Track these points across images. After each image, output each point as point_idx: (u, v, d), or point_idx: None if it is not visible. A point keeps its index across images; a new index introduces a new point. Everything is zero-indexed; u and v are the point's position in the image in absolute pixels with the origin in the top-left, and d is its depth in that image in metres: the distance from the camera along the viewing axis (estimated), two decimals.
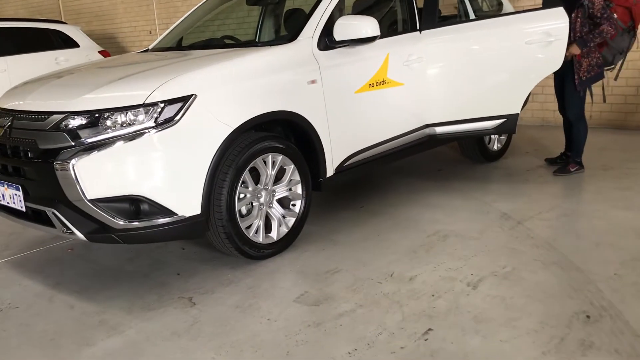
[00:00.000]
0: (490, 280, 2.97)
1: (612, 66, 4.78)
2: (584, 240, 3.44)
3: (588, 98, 4.75)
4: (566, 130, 5.05)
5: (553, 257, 3.21)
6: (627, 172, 4.77)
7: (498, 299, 2.77)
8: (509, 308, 2.67)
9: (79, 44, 8.85)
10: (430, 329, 2.53)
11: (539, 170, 4.99)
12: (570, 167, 4.80)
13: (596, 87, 4.82)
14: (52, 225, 3.01)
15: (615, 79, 4.96)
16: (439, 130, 4.45)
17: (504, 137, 5.46)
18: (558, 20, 4.12)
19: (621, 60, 4.81)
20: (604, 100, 4.85)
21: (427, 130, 4.46)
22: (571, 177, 4.72)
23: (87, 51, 8.82)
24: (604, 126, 6.60)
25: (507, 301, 2.74)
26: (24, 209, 3.10)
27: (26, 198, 3.07)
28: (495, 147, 5.38)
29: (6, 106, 3.32)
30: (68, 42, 8.76)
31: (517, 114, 4.29)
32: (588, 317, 2.55)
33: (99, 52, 8.99)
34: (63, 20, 11.76)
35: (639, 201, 4.03)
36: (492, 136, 5.29)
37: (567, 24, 4.11)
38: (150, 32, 10.95)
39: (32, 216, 3.13)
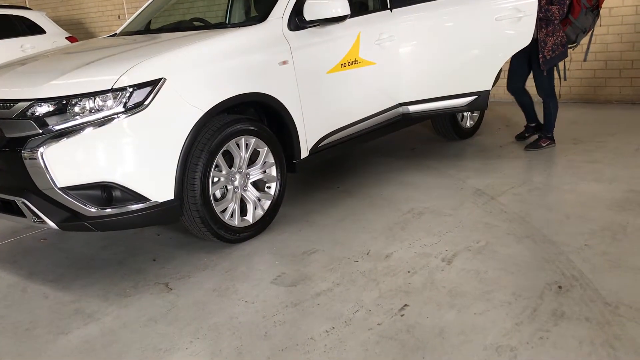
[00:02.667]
0: (465, 255, 3.01)
1: (575, 44, 4.82)
2: (555, 213, 3.50)
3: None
4: (521, 104, 5.10)
5: (525, 231, 3.26)
6: (596, 145, 4.85)
7: (472, 273, 2.81)
8: (483, 281, 2.72)
9: (45, 30, 8.65)
10: (406, 305, 2.56)
11: (511, 146, 5.05)
12: (542, 142, 4.87)
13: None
14: (22, 215, 2.96)
15: (585, 60, 5.01)
16: (412, 108, 4.47)
17: (476, 114, 5.51)
18: None
19: (588, 40, 4.87)
20: (565, 79, 4.90)
21: (401, 109, 4.47)
22: (543, 151, 4.79)
23: (54, 37, 8.63)
24: (574, 100, 6.70)
25: (481, 275, 2.78)
26: None
27: None
28: (468, 124, 5.43)
29: None
30: (34, 29, 8.56)
31: (489, 91, 4.32)
32: (560, 287, 2.61)
33: (67, 38, 8.80)
34: (28, 6, 11.47)
35: (608, 173, 4.11)
36: (465, 113, 5.33)
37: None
38: (119, 17, 10.75)
39: (2, 206, 3.08)
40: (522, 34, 4.18)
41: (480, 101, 4.35)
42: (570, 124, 5.66)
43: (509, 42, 4.24)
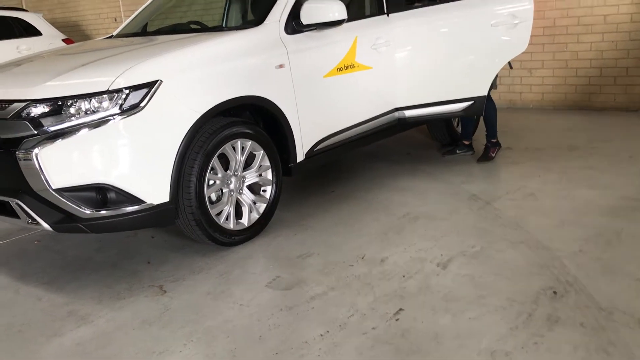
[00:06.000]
0: (460, 259, 3.01)
1: None
2: (550, 218, 3.51)
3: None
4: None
5: (520, 236, 3.27)
6: (591, 151, 4.86)
7: (467, 277, 2.81)
8: (477, 286, 2.72)
9: (42, 32, 8.63)
10: (401, 309, 2.56)
11: (506, 151, 5.06)
12: (491, 153, 4.86)
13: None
14: (16, 216, 2.95)
15: (511, 67, 4.97)
16: (408, 113, 4.47)
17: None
18: (523, 2, 4.16)
19: None
20: (511, 67, 4.89)
21: (397, 114, 4.48)
22: (538, 157, 4.79)
23: (50, 39, 8.61)
24: (569, 107, 6.72)
25: (476, 280, 2.78)
26: None
27: None
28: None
29: None
30: (30, 30, 8.54)
31: (485, 96, 4.33)
32: (554, 292, 2.61)
33: (63, 40, 8.78)
34: (24, 7, 11.45)
35: (603, 180, 4.12)
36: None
37: (532, 6, 4.15)
38: (115, 20, 10.73)
39: None
40: (518, 40, 4.20)
41: (476, 107, 4.36)
42: (566, 131, 5.68)
43: (505, 48, 4.25)
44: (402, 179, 4.49)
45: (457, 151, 4.96)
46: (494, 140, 4.90)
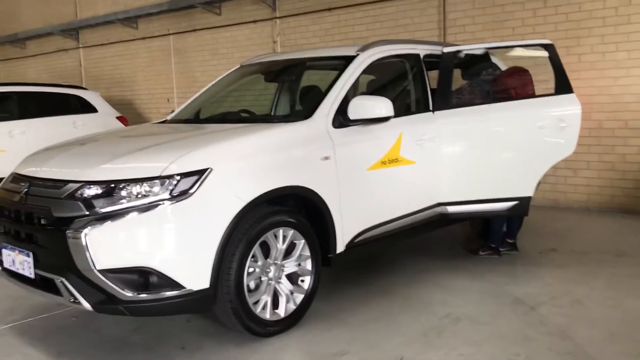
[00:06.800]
0: None
1: None
2: (598, 329, 3.35)
3: None
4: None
5: (567, 347, 3.12)
6: None
7: None
8: None
9: (97, 109, 9.06)
10: None
11: (552, 253, 4.93)
12: (482, 251, 4.82)
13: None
14: (59, 293, 2.98)
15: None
16: (451, 209, 4.44)
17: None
18: (570, 107, 4.20)
19: None
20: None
21: (439, 209, 4.45)
22: (584, 261, 4.64)
23: (105, 116, 9.02)
24: (615, 210, 6.56)
25: None
26: (32, 276, 3.08)
27: (36, 265, 3.06)
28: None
29: (24, 172, 3.37)
30: (87, 107, 8.97)
31: (530, 197, 4.29)
32: None
33: (117, 117, 9.19)
34: (84, 85, 12.12)
35: None
36: None
37: (580, 110, 4.18)
38: (168, 100, 11.23)
39: (40, 283, 3.11)
40: (565, 143, 4.21)
41: (521, 207, 4.31)
42: (613, 235, 5.53)
43: (551, 150, 4.26)
44: (443, 275, 4.40)
45: (501, 249, 4.86)
46: (494, 246, 4.82)
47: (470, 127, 4.35)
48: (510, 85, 4.54)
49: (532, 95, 4.55)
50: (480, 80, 4.65)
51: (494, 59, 5.13)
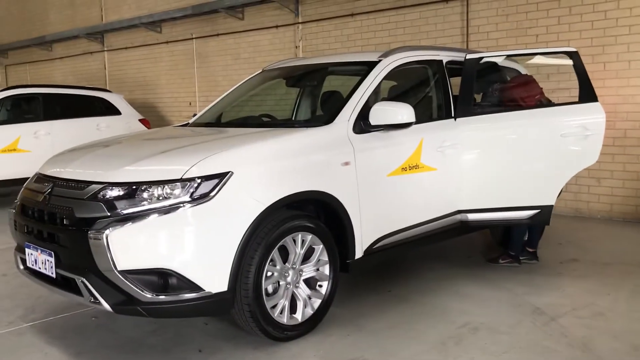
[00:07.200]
0: None
1: None
2: (621, 343, 3.29)
3: None
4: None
5: None
6: None
7: None
8: None
9: (121, 111, 9.18)
10: None
11: (573, 263, 4.86)
12: (502, 259, 4.78)
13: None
14: (79, 293, 3.01)
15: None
16: (472, 217, 4.41)
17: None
18: (595, 115, 4.15)
19: None
20: None
21: (459, 217, 4.42)
22: (606, 272, 4.57)
23: (128, 119, 9.14)
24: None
25: None
26: (54, 276, 3.12)
27: (57, 264, 3.10)
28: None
29: (48, 172, 3.42)
30: (111, 110, 9.11)
31: (552, 206, 4.24)
32: None
33: (140, 120, 9.30)
34: (108, 87, 12.29)
35: None
36: None
37: (604, 119, 4.12)
38: (190, 104, 11.33)
39: (61, 283, 3.15)
40: (588, 152, 4.15)
41: (543, 216, 4.26)
42: (637, 246, 5.42)
43: (574, 159, 4.21)
44: (461, 283, 4.36)
45: (521, 258, 4.80)
46: (513, 253, 4.76)
47: (492, 134, 4.31)
48: (522, 95, 4.49)
49: (549, 103, 4.50)
50: (503, 88, 4.61)
51: (518, 67, 5.10)
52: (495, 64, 4.84)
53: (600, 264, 4.82)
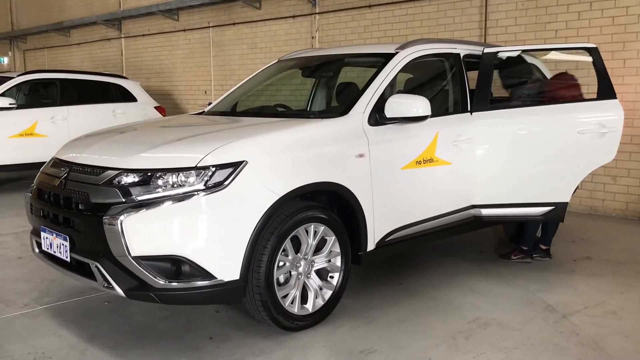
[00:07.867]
0: None
1: None
2: (633, 343, 3.26)
3: None
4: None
5: (599, 358, 3.05)
6: None
7: None
8: None
9: (137, 98, 9.23)
10: None
11: (586, 261, 4.82)
12: (514, 255, 4.76)
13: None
14: (93, 278, 3.05)
15: None
16: (485, 212, 4.38)
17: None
18: (612, 112, 4.10)
19: None
20: None
21: (473, 211, 4.40)
22: (620, 271, 4.53)
23: (144, 106, 9.19)
24: None
25: None
26: (68, 260, 3.16)
27: (72, 249, 3.14)
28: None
29: (64, 157, 3.46)
30: (127, 96, 9.16)
31: (567, 203, 4.20)
32: None
33: (155, 107, 9.34)
34: (124, 74, 12.34)
35: None
36: None
37: (622, 116, 4.07)
38: (205, 92, 11.35)
39: (75, 267, 3.18)
40: (605, 149, 4.11)
41: (557, 212, 4.23)
42: None
43: (590, 156, 4.16)
44: (473, 278, 4.35)
45: (534, 255, 4.77)
46: (525, 248, 4.73)
47: (509, 129, 4.28)
48: (555, 89, 4.45)
49: (580, 99, 4.46)
50: (523, 83, 4.57)
51: (536, 61, 5.04)
52: (522, 58, 4.79)
53: (613, 262, 4.78)
